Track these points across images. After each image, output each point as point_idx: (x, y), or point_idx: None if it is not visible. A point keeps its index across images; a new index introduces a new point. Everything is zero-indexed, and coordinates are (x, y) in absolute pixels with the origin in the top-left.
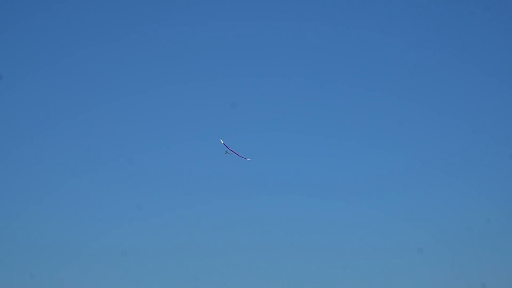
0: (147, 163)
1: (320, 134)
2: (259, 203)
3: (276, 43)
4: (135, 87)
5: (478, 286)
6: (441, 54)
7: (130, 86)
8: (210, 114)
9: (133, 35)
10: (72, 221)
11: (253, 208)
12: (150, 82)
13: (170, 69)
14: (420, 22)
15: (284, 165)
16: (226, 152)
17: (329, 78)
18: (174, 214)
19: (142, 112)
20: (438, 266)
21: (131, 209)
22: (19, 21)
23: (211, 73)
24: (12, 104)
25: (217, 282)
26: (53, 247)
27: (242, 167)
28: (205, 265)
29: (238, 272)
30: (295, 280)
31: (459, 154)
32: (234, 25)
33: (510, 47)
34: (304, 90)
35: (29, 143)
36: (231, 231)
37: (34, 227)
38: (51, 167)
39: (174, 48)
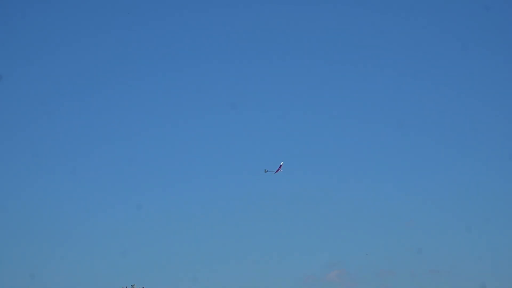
0: (147, 160)
1: (321, 132)
2: (256, 199)
3: (276, 43)
4: (135, 87)
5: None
6: (442, 51)
7: (130, 86)
8: (210, 114)
9: (134, 36)
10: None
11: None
12: (150, 82)
13: (171, 70)
14: (421, 22)
15: (282, 165)
16: (266, 171)
17: (327, 75)
18: (174, 213)
19: (142, 111)
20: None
21: (131, 208)
22: (19, 22)
23: (211, 73)
24: (12, 104)
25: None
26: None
27: (240, 166)
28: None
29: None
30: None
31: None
32: (234, 26)
33: (510, 46)
34: (303, 90)
35: (29, 142)
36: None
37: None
38: (51, 165)
39: (174, 48)
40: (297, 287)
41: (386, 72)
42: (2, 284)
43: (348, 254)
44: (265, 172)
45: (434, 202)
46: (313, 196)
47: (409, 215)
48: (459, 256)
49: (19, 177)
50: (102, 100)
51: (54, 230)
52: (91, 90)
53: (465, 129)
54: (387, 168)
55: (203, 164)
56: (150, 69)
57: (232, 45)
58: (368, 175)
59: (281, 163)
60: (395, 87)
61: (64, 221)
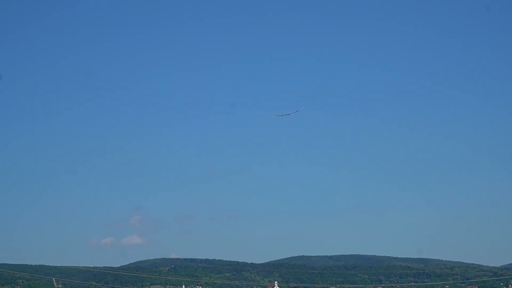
0: (147, 158)
1: (322, 130)
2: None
3: (276, 43)
4: (136, 86)
5: None
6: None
7: (130, 86)
8: (210, 114)
9: (134, 36)
10: None
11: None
12: (151, 81)
13: (171, 69)
14: (421, 22)
15: (281, 166)
16: (282, 115)
17: (326, 74)
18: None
19: (142, 111)
20: None
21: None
22: (19, 23)
23: (211, 73)
24: (12, 104)
25: None
26: None
27: (236, 166)
28: None
29: None
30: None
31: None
32: (234, 26)
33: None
34: (303, 88)
35: (29, 142)
36: None
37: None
38: (50, 164)
39: (175, 48)
40: (102, 231)
41: (385, 71)
42: None
43: (150, 200)
44: (281, 115)
45: (230, 148)
46: (117, 143)
47: (210, 162)
48: (257, 202)
49: (18, 175)
50: (102, 99)
51: None
52: (92, 90)
53: (464, 128)
54: (182, 121)
55: None
56: (150, 69)
57: (232, 46)
58: (161, 127)
59: (301, 108)
60: (395, 86)
61: None
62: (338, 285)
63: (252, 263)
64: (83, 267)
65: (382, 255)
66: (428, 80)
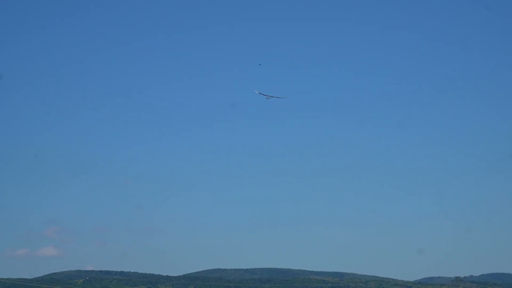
0: (147, 159)
1: (237, 141)
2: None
3: (276, 43)
4: (136, 87)
5: None
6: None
7: (131, 86)
8: (210, 114)
9: (134, 36)
10: None
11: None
12: (151, 82)
13: (171, 70)
14: (421, 22)
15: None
16: (268, 98)
17: (325, 75)
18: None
19: (143, 111)
20: None
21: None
22: (19, 24)
23: (211, 73)
24: (12, 104)
25: None
26: None
27: (236, 169)
28: None
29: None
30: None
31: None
32: (234, 27)
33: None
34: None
35: (29, 143)
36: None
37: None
38: (50, 165)
39: (175, 49)
40: (16, 242)
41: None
42: None
43: (65, 211)
44: (267, 98)
45: (147, 160)
46: (34, 153)
47: (127, 174)
48: (173, 214)
49: (18, 177)
50: (103, 99)
51: None
52: (93, 89)
53: (464, 127)
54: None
55: None
56: (150, 70)
57: (232, 47)
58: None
59: (286, 97)
60: (395, 86)
61: None
62: None
63: (167, 275)
64: None
65: (297, 268)
66: (426, 79)
